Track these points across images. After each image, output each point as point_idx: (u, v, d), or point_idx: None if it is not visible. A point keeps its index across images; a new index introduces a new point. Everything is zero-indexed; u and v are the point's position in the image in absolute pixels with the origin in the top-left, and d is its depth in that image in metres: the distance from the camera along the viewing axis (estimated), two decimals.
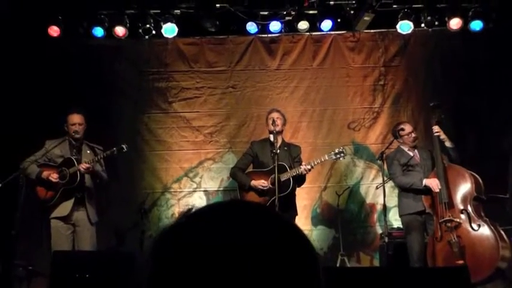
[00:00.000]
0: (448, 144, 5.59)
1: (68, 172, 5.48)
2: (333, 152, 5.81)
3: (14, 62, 7.02)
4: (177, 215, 7.25)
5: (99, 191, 5.90)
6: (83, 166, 5.43)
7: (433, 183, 5.37)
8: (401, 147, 5.87)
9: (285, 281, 0.81)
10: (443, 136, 5.60)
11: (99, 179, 5.72)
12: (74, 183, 5.47)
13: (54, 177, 5.47)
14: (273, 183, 5.55)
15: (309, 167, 5.63)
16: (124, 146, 5.59)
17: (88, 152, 5.65)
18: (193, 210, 0.90)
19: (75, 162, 5.50)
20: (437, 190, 5.31)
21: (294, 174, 5.61)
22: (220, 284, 0.78)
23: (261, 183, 5.69)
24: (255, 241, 0.82)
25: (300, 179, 5.79)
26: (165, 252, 0.85)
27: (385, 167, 5.94)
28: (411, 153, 5.79)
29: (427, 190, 5.44)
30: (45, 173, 5.49)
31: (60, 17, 7.08)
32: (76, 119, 5.67)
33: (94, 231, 5.65)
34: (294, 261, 0.83)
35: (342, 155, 5.80)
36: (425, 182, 5.45)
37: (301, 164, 5.72)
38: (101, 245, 5.92)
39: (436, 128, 5.61)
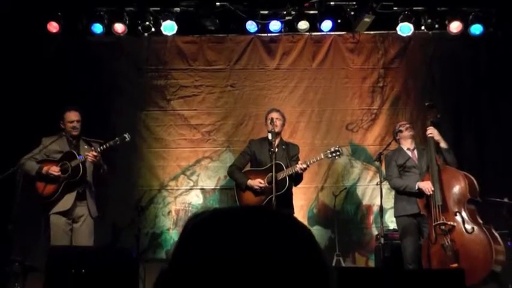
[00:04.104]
0: (442, 145, 5.57)
1: (69, 165, 5.48)
2: (328, 151, 5.80)
3: (12, 58, 7.01)
4: (173, 212, 7.25)
5: (97, 187, 5.89)
6: (91, 154, 5.43)
7: (426, 186, 5.36)
8: (401, 146, 5.88)
9: None
10: (437, 137, 5.58)
11: (103, 170, 5.71)
12: (76, 176, 5.47)
13: (55, 170, 5.47)
14: (269, 182, 5.55)
15: (305, 165, 5.63)
16: (126, 135, 5.63)
17: (86, 147, 5.64)
18: (201, 217, 0.89)
19: (77, 155, 5.51)
20: (430, 193, 5.30)
21: (289, 173, 5.61)
22: None
23: (258, 182, 5.70)
24: (275, 252, 0.82)
25: (296, 178, 5.79)
26: (185, 260, 0.84)
27: (383, 167, 5.95)
28: (409, 154, 5.79)
29: (421, 193, 5.43)
30: (45, 168, 5.49)
31: (59, 13, 7.07)
32: (73, 116, 5.67)
33: (93, 226, 5.66)
34: (310, 274, 0.84)
35: (338, 153, 5.79)
36: (419, 185, 5.45)
37: (297, 163, 5.72)
38: (97, 241, 5.91)
39: (430, 130, 5.59)
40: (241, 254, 0.81)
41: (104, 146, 5.58)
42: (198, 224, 0.87)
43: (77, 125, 5.65)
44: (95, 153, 5.45)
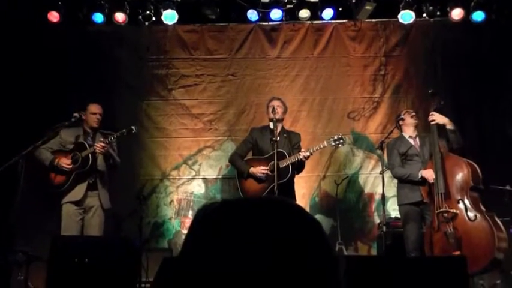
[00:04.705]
0: (449, 126, 5.51)
1: (80, 156, 5.57)
2: (332, 139, 5.77)
3: (12, 48, 6.98)
4: (175, 202, 7.26)
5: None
6: (99, 145, 5.49)
7: (428, 175, 5.35)
8: (403, 134, 5.87)
9: (306, 281, 0.82)
10: (442, 120, 5.55)
11: (113, 161, 5.77)
12: (85, 166, 5.54)
13: (67, 163, 5.58)
14: (271, 170, 5.55)
15: (308, 153, 5.61)
16: (133, 127, 5.68)
17: (101, 139, 5.68)
18: (211, 207, 0.90)
19: (87, 146, 5.58)
20: (432, 181, 5.30)
21: (292, 161, 5.59)
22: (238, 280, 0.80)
23: (260, 170, 5.69)
24: (283, 241, 0.83)
25: (298, 166, 5.78)
26: (189, 252, 0.87)
27: (385, 155, 5.94)
28: (411, 142, 5.77)
29: (424, 181, 5.43)
30: (57, 161, 5.59)
31: (59, 2, 7.04)
32: (97, 109, 5.80)
33: (103, 217, 5.72)
34: (318, 262, 0.85)
35: (341, 141, 5.77)
36: (422, 173, 5.44)
37: (300, 151, 5.71)
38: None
39: (432, 116, 5.56)
40: (250, 244, 0.82)
41: (112, 137, 5.63)
42: (208, 215, 0.89)
43: (99, 117, 5.77)
44: (102, 144, 5.50)
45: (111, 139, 5.62)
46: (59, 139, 5.71)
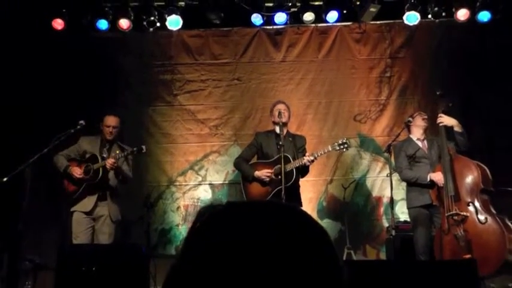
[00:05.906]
0: (457, 129, 5.46)
1: (92, 168, 5.58)
2: (336, 143, 5.71)
3: (17, 55, 7.00)
4: (182, 208, 7.24)
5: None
6: (109, 162, 5.50)
7: (437, 178, 5.31)
8: (411, 136, 5.82)
9: (303, 277, 0.81)
10: (451, 122, 5.50)
11: (123, 177, 5.76)
12: (95, 179, 5.55)
13: (77, 173, 5.60)
14: (276, 174, 5.52)
15: (312, 158, 5.57)
16: (143, 147, 5.67)
17: (117, 151, 5.68)
18: (217, 208, 0.90)
19: (99, 159, 5.59)
20: (441, 185, 5.25)
21: (297, 165, 5.55)
22: (242, 281, 0.80)
23: (265, 173, 5.65)
24: (287, 243, 0.83)
25: (303, 170, 5.73)
26: (192, 252, 0.86)
27: (393, 158, 5.89)
28: (419, 144, 5.72)
29: (433, 184, 5.38)
30: (70, 168, 5.61)
31: (64, 10, 7.06)
32: (111, 121, 5.77)
33: (113, 228, 5.70)
34: (313, 259, 0.84)
35: (346, 145, 5.71)
36: (431, 176, 5.39)
37: (305, 155, 5.67)
38: None
39: (440, 118, 5.52)
40: (254, 243, 0.82)
41: (122, 154, 5.63)
42: (214, 214, 0.89)
43: (112, 130, 5.74)
44: (112, 160, 5.50)
45: (121, 155, 5.62)
46: (77, 147, 5.74)
